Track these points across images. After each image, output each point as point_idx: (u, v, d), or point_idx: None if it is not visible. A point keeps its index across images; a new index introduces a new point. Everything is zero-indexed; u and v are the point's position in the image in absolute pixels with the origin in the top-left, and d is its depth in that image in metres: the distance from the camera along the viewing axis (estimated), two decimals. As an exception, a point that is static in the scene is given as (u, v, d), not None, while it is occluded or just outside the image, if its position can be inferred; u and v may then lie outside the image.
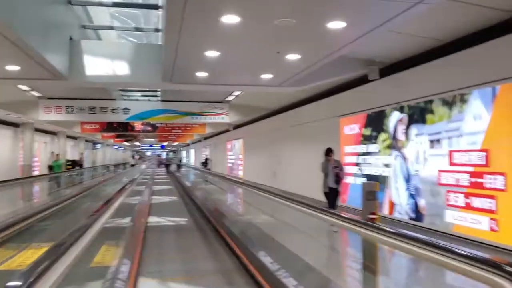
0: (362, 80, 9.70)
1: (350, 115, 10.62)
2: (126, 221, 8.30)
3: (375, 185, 5.92)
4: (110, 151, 55.68)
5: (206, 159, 34.24)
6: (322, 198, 11.70)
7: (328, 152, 8.81)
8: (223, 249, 6.18)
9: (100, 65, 7.99)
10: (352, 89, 10.35)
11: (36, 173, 23.86)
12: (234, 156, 25.35)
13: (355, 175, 10.36)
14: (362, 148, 10.12)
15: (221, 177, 23.35)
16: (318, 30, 5.44)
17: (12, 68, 6.97)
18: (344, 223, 6.28)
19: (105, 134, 29.10)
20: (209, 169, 31.92)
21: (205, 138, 35.04)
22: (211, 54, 6.54)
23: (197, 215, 9.98)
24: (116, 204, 10.78)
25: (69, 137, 32.02)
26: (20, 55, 6.00)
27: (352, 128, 10.55)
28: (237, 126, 22.77)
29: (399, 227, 6.47)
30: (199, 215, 9.79)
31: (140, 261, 5.30)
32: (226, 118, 16.74)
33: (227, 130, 24.93)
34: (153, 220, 9.33)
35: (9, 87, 12.74)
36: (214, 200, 12.28)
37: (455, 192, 7.08)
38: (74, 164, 30.56)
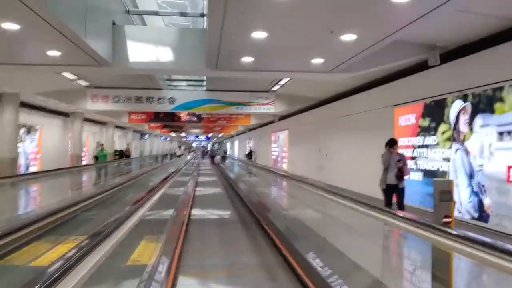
0: (420, 67, 8.98)
1: (405, 104, 9.89)
2: (168, 213, 8.08)
3: (449, 183, 5.14)
4: (158, 142, 56.68)
5: (250, 151, 33.94)
6: (373, 193, 11.06)
7: (392, 143, 7.85)
8: (269, 248, 5.79)
9: (144, 51, 7.69)
10: (408, 77, 9.62)
11: (84, 163, 24.35)
12: (279, 148, 24.89)
13: (410, 169, 9.64)
14: (419, 140, 9.39)
15: (265, 169, 23.01)
16: (379, 5, 4.84)
17: (53, 53, 6.77)
18: (409, 227, 5.49)
19: (152, 124, 29.33)
20: (252, 161, 31.66)
21: (250, 130, 34.77)
22: (258, 35, 6.01)
23: (240, 208, 9.65)
24: (158, 196, 10.62)
25: (117, 127, 32.54)
26: (60, 39, 5.76)
27: (408, 118, 9.82)
28: (282, 118, 22.28)
29: (460, 228, 5.80)
30: (243, 209, 9.45)
31: (181, 256, 4.99)
32: (271, 108, 16.26)
33: (272, 122, 24.50)
34: (196, 213, 9.07)
35: (56, 77, 12.82)
36: (258, 194, 11.91)
37: (528, 190, 6.31)
38: (122, 154, 31.11)
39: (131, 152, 33.72)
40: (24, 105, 17.00)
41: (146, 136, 45.87)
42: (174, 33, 7.92)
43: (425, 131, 9.18)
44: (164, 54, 7.76)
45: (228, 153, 54.44)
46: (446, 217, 4.68)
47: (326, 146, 15.56)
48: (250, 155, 33.45)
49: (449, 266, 4.69)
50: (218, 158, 36.91)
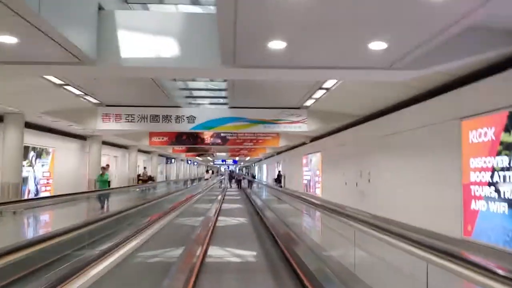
0: (499, 66, 6.92)
1: (480, 115, 7.71)
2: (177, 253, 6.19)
3: None
4: (184, 166, 55.38)
5: (279, 175, 31.79)
6: (432, 226, 8.96)
7: None
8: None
9: (139, 43, 5.82)
10: (482, 80, 7.50)
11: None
12: (311, 172, 22.71)
13: (488, 198, 7.43)
14: (501, 160, 7.17)
15: (295, 196, 20.89)
16: None
17: (6, 39, 4.77)
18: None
19: (175, 147, 27.74)
20: (281, 186, 29.58)
21: (279, 153, 32.75)
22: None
23: (269, 245, 7.67)
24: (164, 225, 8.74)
25: (141, 151, 31.12)
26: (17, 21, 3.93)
27: (483, 133, 7.64)
28: (314, 139, 20.27)
29: None
30: (272, 246, 7.46)
31: None
32: (303, 126, 14.24)
33: (303, 143, 22.52)
34: (214, 253, 7.13)
35: (61, 93, 11.32)
36: (289, 225, 9.87)
37: None
38: (147, 178, 29.52)
39: (151, 176, 32.06)
40: (33, 126, 15.63)
41: (173, 161, 44.64)
42: (180, 20, 5.99)
43: (510, 148, 6.98)
44: (167, 48, 5.86)
45: (256, 177, 52.77)
46: None
47: (367, 170, 13.37)
48: (279, 179, 31.30)
49: None
50: (245, 182, 35.51)
